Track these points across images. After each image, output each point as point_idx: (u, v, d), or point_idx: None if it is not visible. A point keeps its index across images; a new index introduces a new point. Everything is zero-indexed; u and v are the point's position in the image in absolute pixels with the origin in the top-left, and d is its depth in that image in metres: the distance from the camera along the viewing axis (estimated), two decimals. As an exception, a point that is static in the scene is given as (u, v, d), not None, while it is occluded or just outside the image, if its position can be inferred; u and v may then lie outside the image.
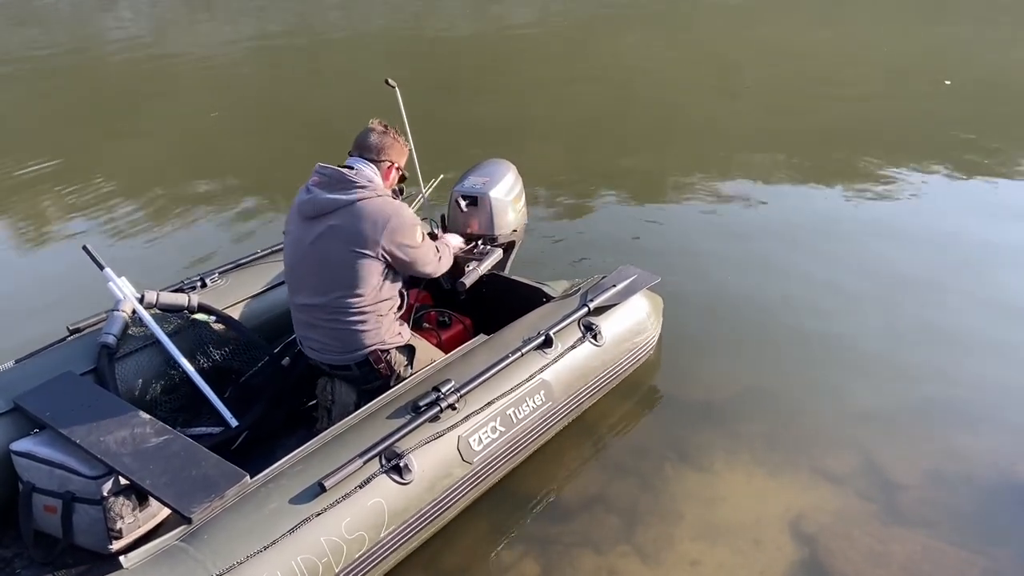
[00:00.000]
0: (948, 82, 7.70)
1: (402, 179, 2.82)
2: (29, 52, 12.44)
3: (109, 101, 9.24)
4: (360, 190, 2.56)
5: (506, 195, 3.35)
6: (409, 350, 2.79)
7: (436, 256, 2.78)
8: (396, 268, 2.64)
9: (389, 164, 2.71)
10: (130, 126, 8.11)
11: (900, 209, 5.27)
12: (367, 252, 2.54)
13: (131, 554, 1.98)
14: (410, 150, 2.89)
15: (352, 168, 2.63)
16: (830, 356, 3.63)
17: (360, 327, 2.64)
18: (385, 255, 2.57)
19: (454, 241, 3.17)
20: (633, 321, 3.16)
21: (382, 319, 2.67)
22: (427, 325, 3.25)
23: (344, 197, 2.55)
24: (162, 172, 6.63)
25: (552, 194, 5.61)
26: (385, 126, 2.76)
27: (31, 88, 10.21)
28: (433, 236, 3.10)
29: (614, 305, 3.10)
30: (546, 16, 12.34)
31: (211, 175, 6.51)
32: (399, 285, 2.72)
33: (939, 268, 4.37)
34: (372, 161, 2.67)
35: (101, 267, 2.93)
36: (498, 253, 3.27)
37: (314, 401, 3.06)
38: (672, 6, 12.60)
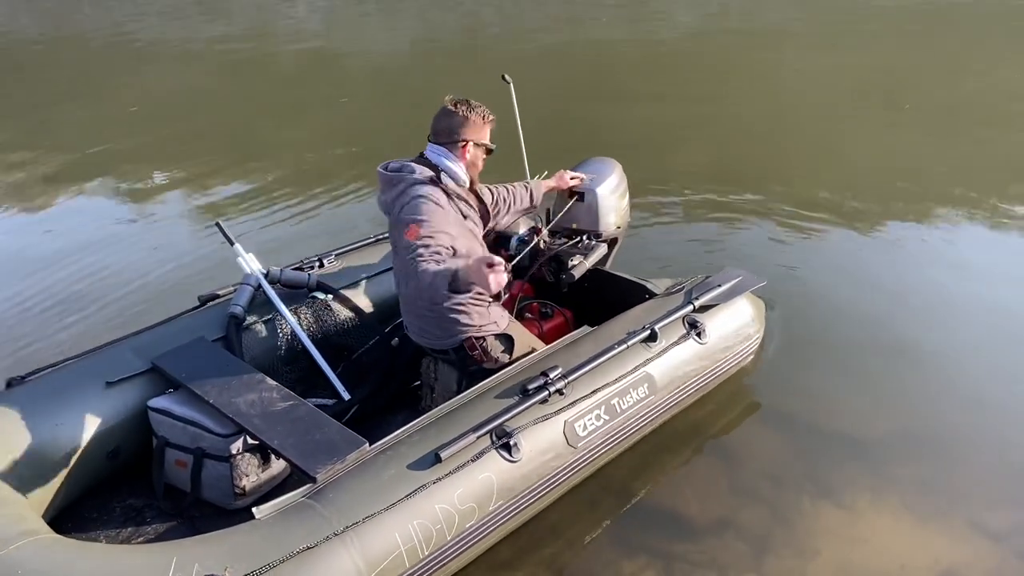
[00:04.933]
0: None
1: (488, 152, 2.76)
2: (215, 43, 13.35)
3: (265, 89, 9.83)
4: (398, 185, 2.59)
5: (611, 192, 3.40)
6: (506, 339, 2.82)
7: (422, 254, 2.34)
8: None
9: (463, 143, 2.66)
10: (282, 113, 8.58)
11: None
12: None
13: (262, 506, 2.12)
14: (518, 139, 2.90)
15: (415, 160, 2.67)
16: (996, 401, 3.32)
17: (450, 315, 2.69)
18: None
19: (500, 276, 2.19)
20: (737, 322, 3.16)
21: (471, 307, 2.70)
22: (529, 315, 3.33)
23: (392, 196, 2.60)
24: (298, 156, 6.98)
25: (681, 200, 5.48)
26: (455, 103, 2.66)
27: (209, 74, 10.90)
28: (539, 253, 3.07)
29: (718, 305, 3.12)
30: (705, 27, 12.14)
31: (337, 160, 6.79)
32: None
33: None
34: (445, 144, 2.66)
35: (232, 243, 3.12)
36: (603, 248, 3.32)
37: (418, 382, 3.19)
38: (839, 20, 12.08)
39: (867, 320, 3.91)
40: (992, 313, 3.98)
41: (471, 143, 2.68)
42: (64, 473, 2.51)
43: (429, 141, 2.71)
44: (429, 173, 2.61)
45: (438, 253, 2.36)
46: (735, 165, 6.18)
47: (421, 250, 2.35)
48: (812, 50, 10.12)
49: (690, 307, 3.00)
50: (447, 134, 2.66)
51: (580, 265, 3.09)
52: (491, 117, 2.74)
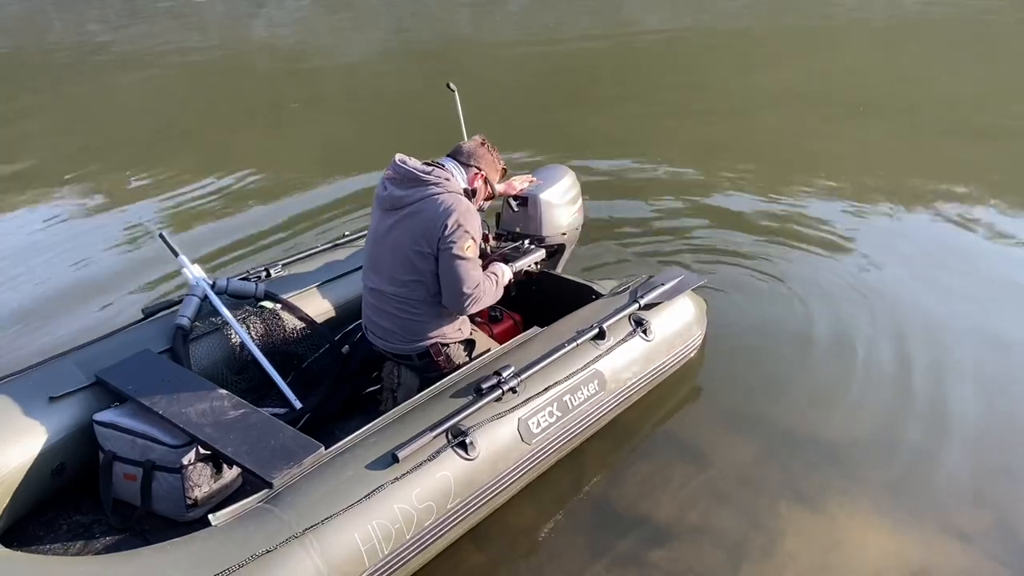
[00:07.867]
0: None
1: (488, 197, 2.94)
2: (178, 46, 12.96)
3: (223, 95, 9.60)
4: (432, 187, 2.66)
5: (559, 198, 3.45)
6: (469, 344, 2.91)
7: (476, 283, 2.68)
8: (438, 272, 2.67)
9: (477, 171, 2.84)
10: (234, 120, 8.40)
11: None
12: (428, 249, 2.64)
13: (219, 512, 2.10)
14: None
15: (435, 165, 2.74)
16: (964, 401, 3.32)
17: (422, 319, 2.76)
18: (437, 253, 2.64)
19: (506, 275, 2.98)
20: (681, 319, 3.26)
21: (443, 312, 2.79)
22: (479, 319, 3.37)
23: (415, 193, 2.66)
24: (246, 164, 6.80)
25: (636, 202, 5.45)
26: (484, 140, 2.91)
27: (168, 83, 10.57)
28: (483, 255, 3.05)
29: (661, 303, 3.21)
30: (676, 32, 12.06)
31: (285, 169, 6.67)
32: None
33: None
34: (461, 164, 2.82)
35: (176, 254, 3.08)
36: (539, 253, 3.37)
37: (371, 388, 3.20)
38: (808, 27, 12.00)
39: (828, 322, 3.92)
40: (959, 314, 3.99)
41: (482, 175, 2.87)
42: (7, 492, 2.44)
43: (447, 156, 2.87)
44: (464, 186, 2.78)
45: (494, 274, 2.85)
46: (691, 168, 6.19)
47: (477, 272, 2.70)
48: (772, 58, 10.20)
49: (635, 305, 3.09)
50: (466, 155, 2.85)
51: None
52: (505, 170, 3.00)
